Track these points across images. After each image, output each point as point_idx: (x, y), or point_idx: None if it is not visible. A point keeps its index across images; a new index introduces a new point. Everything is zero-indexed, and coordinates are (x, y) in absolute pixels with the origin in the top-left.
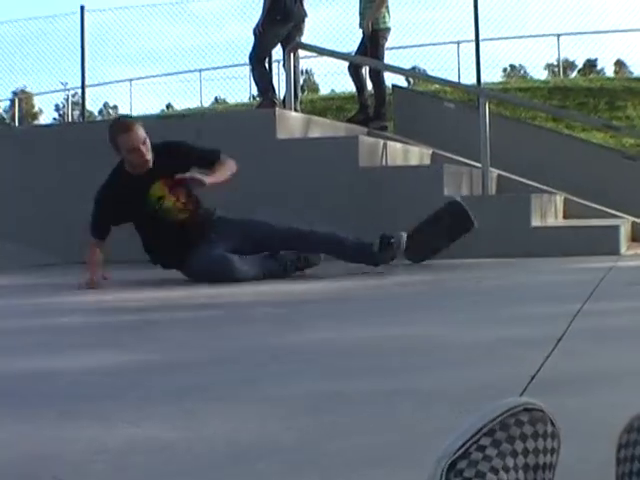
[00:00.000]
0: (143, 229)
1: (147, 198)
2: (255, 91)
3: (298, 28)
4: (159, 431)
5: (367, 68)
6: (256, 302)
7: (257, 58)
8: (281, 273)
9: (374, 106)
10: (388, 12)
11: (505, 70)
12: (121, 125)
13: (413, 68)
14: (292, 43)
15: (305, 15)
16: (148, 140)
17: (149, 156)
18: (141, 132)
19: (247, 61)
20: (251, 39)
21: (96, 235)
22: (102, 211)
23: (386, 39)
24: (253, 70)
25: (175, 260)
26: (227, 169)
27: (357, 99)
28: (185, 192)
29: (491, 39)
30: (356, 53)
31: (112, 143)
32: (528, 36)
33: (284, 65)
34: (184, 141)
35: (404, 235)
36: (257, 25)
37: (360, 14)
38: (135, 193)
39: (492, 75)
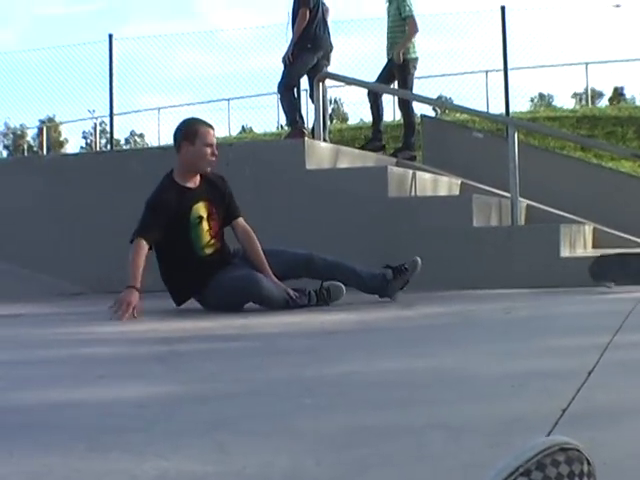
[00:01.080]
0: (172, 248)
1: (190, 212)
2: (283, 120)
3: (326, 57)
4: (190, 464)
5: (396, 98)
6: (284, 333)
7: (286, 87)
8: (304, 303)
9: (403, 136)
10: (415, 41)
11: (532, 100)
12: (204, 121)
13: (438, 97)
14: (321, 72)
15: (332, 46)
16: None
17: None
18: None
19: (275, 90)
20: (279, 68)
21: (145, 234)
22: (156, 214)
23: (415, 68)
24: (282, 99)
25: (195, 286)
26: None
27: (372, 127)
28: (219, 227)
29: (519, 68)
30: (377, 81)
31: (187, 133)
32: (556, 65)
33: (311, 95)
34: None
35: (418, 259)
36: (286, 53)
37: (389, 43)
38: (181, 204)
39: (520, 104)
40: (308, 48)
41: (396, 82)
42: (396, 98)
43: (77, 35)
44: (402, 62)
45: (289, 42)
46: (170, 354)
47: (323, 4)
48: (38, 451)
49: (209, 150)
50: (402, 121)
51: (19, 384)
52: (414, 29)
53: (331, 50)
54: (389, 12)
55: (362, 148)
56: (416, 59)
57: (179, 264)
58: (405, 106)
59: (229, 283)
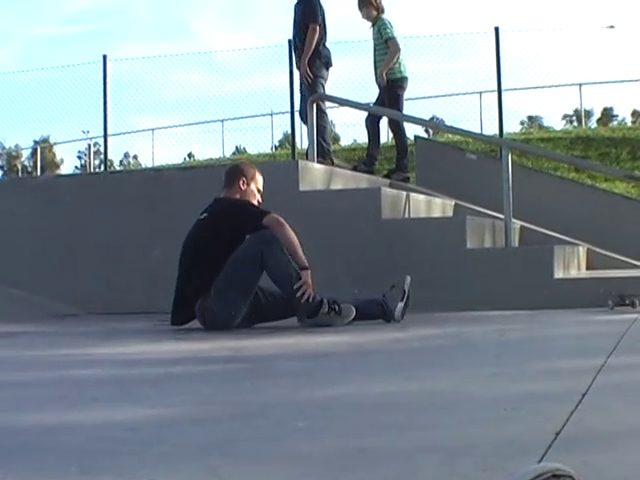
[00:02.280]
0: (222, 260)
1: None
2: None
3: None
4: None
5: (386, 119)
6: (278, 355)
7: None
8: (312, 310)
9: (396, 157)
10: (402, 61)
11: (523, 123)
12: (257, 168)
13: (431, 118)
14: (319, 92)
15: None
16: None
17: None
18: None
19: (268, 111)
20: (273, 90)
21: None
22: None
23: (404, 89)
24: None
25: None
26: None
27: (367, 150)
28: None
29: (513, 89)
30: (374, 105)
31: (246, 173)
32: (550, 86)
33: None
34: None
35: (408, 278)
36: (303, 73)
37: (375, 67)
38: None
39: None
40: (320, 64)
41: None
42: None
43: (72, 55)
44: (388, 83)
45: (300, 62)
46: (164, 376)
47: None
48: (31, 474)
49: (258, 195)
50: (394, 143)
51: (12, 406)
52: (395, 50)
53: (330, 67)
54: (373, 36)
55: (354, 169)
56: (403, 79)
57: (213, 277)
58: (396, 127)
59: (233, 258)
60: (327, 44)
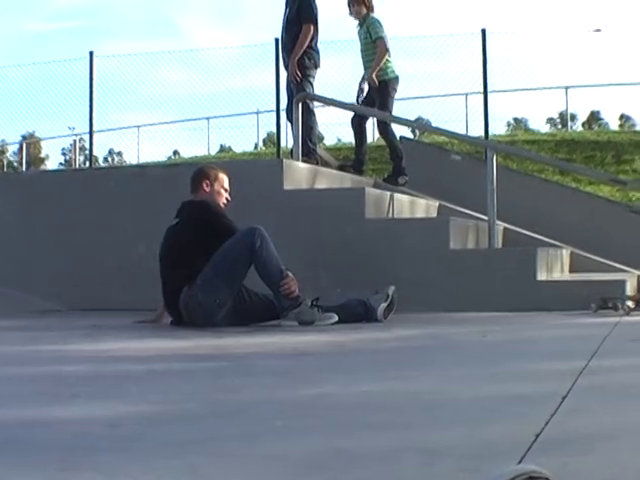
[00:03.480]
0: (207, 254)
1: None
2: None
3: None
4: None
5: (374, 121)
6: (258, 354)
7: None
8: (296, 299)
9: (392, 161)
10: (391, 61)
11: (509, 124)
12: (222, 168)
13: (417, 119)
14: (306, 91)
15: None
16: None
17: None
18: None
19: (253, 110)
20: (259, 88)
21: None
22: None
23: (395, 90)
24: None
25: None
26: None
27: (355, 152)
28: None
29: (499, 91)
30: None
31: (208, 175)
32: (536, 88)
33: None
34: None
35: (392, 287)
36: (291, 72)
37: (364, 67)
38: None
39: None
40: (311, 64)
41: (376, 106)
42: (375, 123)
43: (59, 52)
44: (379, 84)
45: (289, 60)
46: (145, 373)
47: None
48: (11, 471)
49: (224, 195)
50: (386, 146)
51: None
52: (384, 50)
53: (318, 68)
54: (360, 36)
55: (341, 168)
56: (395, 79)
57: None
58: (384, 131)
59: (224, 248)
60: (318, 44)
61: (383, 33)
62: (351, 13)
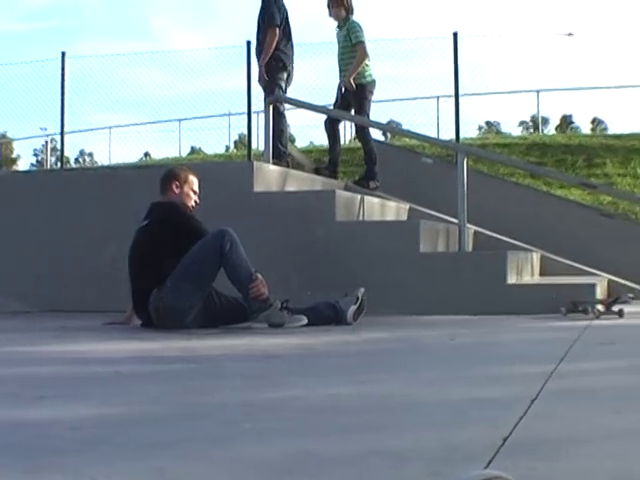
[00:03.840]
0: (175, 256)
1: None
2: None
3: (290, 77)
4: None
5: (350, 123)
6: (229, 356)
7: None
8: (265, 306)
9: (369, 165)
10: (369, 65)
11: (481, 128)
12: (192, 170)
13: (389, 122)
14: (274, 94)
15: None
16: None
17: None
18: None
19: (225, 112)
20: (231, 90)
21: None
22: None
23: (372, 93)
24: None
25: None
26: None
27: (329, 154)
28: None
29: (471, 94)
30: (333, 107)
31: (178, 176)
32: (507, 92)
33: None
34: None
35: (362, 289)
36: (260, 75)
37: (340, 70)
38: None
39: (470, 130)
40: (280, 67)
41: (353, 110)
42: (353, 126)
43: (31, 52)
44: (356, 88)
45: (259, 63)
46: (111, 375)
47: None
48: None
49: (194, 196)
50: (362, 150)
51: None
52: (363, 55)
53: (293, 70)
54: (339, 38)
55: (316, 170)
56: (372, 82)
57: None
58: (362, 134)
59: (193, 250)
60: (290, 46)
61: (363, 37)
62: (330, 15)
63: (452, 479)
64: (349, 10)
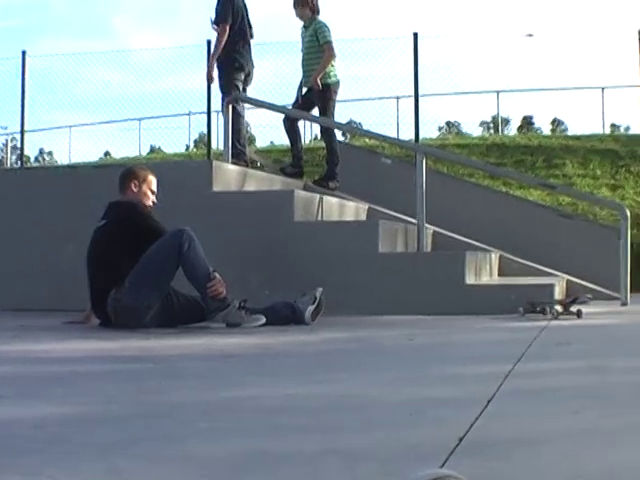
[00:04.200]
0: (134, 255)
1: None
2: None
3: (249, 77)
4: None
5: (318, 126)
6: (184, 355)
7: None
8: (224, 300)
9: (327, 165)
10: (334, 65)
11: (441, 128)
12: (151, 169)
13: (348, 122)
14: (234, 94)
15: (253, 66)
16: None
17: None
18: None
19: (185, 111)
20: (190, 89)
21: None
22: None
23: (337, 93)
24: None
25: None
26: None
27: (291, 152)
28: None
29: (430, 95)
30: (292, 106)
31: (137, 175)
32: (468, 92)
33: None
34: None
35: (320, 288)
36: (206, 74)
37: (304, 70)
38: None
39: (430, 131)
40: (236, 67)
41: (316, 109)
42: (315, 126)
43: None
44: (322, 88)
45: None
46: (70, 375)
47: (248, 21)
48: None
49: (152, 196)
50: (325, 150)
51: None
52: (331, 55)
53: (253, 69)
54: (304, 37)
55: (282, 170)
56: (337, 83)
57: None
58: (327, 134)
59: (151, 250)
60: (248, 46)
61: (331, 38)
62: (297, 14)
63: (404, 479)
64: (315, 10)
